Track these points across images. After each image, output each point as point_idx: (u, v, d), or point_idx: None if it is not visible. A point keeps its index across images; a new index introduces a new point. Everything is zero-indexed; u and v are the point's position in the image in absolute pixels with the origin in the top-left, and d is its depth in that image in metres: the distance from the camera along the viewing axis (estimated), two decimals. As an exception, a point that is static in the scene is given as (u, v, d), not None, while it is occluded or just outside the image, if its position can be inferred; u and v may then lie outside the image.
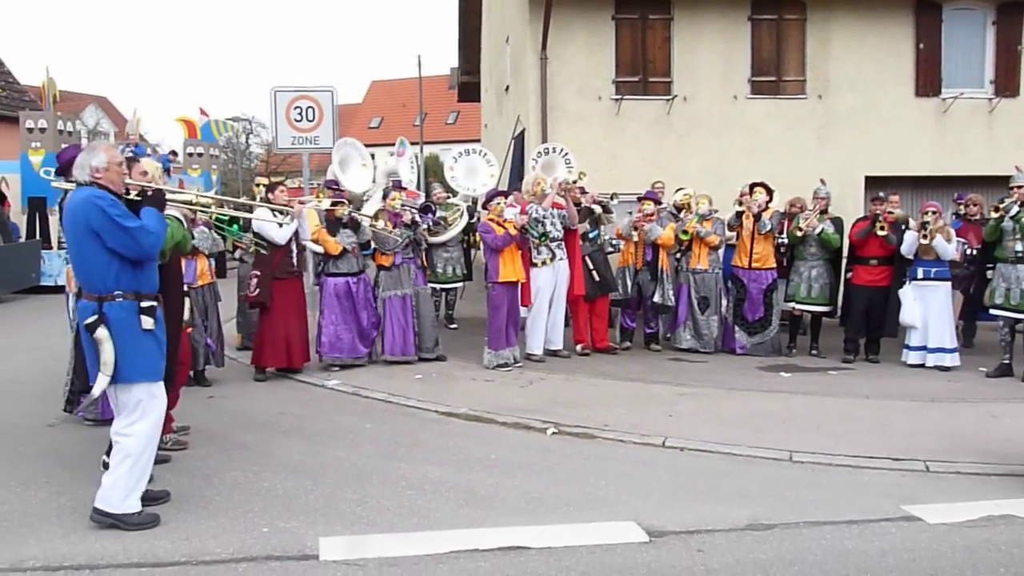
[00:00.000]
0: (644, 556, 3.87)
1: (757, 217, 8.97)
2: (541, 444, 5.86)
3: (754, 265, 9.07)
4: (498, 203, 8.36)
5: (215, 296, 7.67)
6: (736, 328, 9.18)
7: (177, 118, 20.21)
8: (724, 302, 9.29)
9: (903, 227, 8.57)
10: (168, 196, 4.43)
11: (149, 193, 4.29)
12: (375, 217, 8.30)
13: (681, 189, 10.10)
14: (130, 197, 4.20)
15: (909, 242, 8.32)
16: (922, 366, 8.39)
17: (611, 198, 9.46)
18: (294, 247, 7.84)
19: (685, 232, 9.08)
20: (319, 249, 8.36)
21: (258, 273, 7.76)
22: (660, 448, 5.72)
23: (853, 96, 12.56)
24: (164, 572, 3.66)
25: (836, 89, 12.58)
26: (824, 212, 9.01)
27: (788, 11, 12.49)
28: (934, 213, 8.19)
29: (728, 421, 6.33)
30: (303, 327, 8.05)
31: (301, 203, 7.89)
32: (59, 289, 14.14)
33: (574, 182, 9.49)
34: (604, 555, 3.87)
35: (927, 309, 8.33)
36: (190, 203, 4.68)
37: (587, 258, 9.08)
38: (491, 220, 8.27)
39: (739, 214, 9.08)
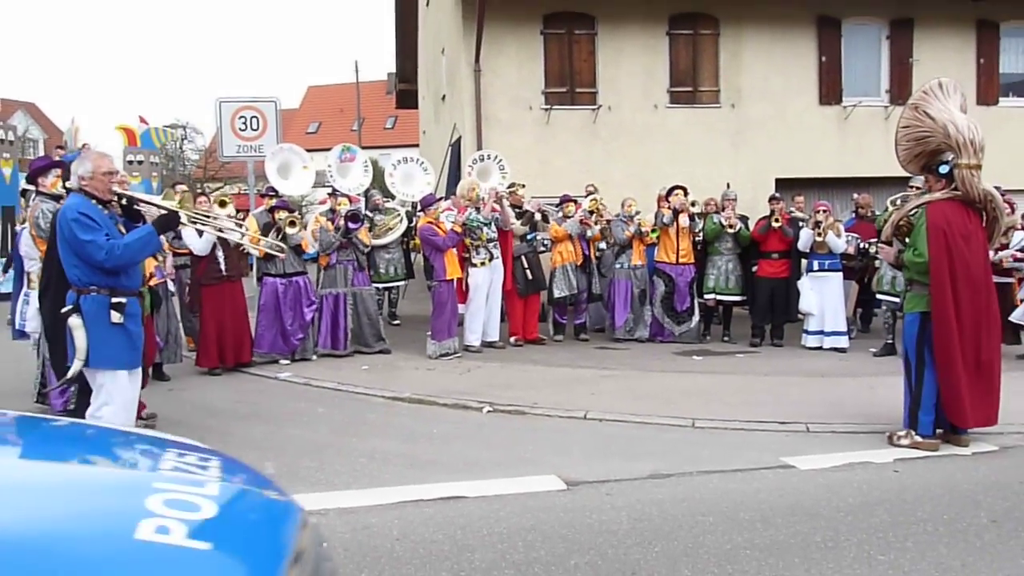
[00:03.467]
0: (561, 499, 4.64)
1: (691, 216, 9.85)
2: (478, 420, 6.59)
3: (681, 260, 9.92)
4: (436, 207, 9.08)
5: (167, 295, 8.16)
6: (666, 319, 10.00)
7: (117, 126, 20.35)
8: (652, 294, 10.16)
9: (800, 224, 9.56)
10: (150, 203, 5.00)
11: (165, 212, 4.87)
12: (291, 224, 8.81)
13: (591, 195, 10.78)
14: (123, 204, 4.78)
15: (804, 238, 9.32)
16: (820, 348, 9.39)
17: (557, 207, 10.25)
18: (220, 254, 8.26)
19: (653, 230, 9.87)
20: (256, 251, 8.87)
21: (188, 282, 8.35)
22: (582, 420, 6.50)
23: (763, 105, 13.66)
24: (152, 525, 4.27)
25: (747, 98, 13.65)
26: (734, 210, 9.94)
27: (702, 27, 13.53)
28: (824, 212, 9.20)
29: (643, 396, 7.16)
30: (241, 326, 8.55)
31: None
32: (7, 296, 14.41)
33: (511, 187, 10.24)
34: (528, 500, 4.62)
35: (822, 297, 9.33)
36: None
37: (522, 258, 9.84)
38: (430, 223, 8.97)
39: (676, 213, 9.81)
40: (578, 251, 9.98)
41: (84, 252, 4.52)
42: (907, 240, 5.69)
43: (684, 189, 10.08)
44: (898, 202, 8.89)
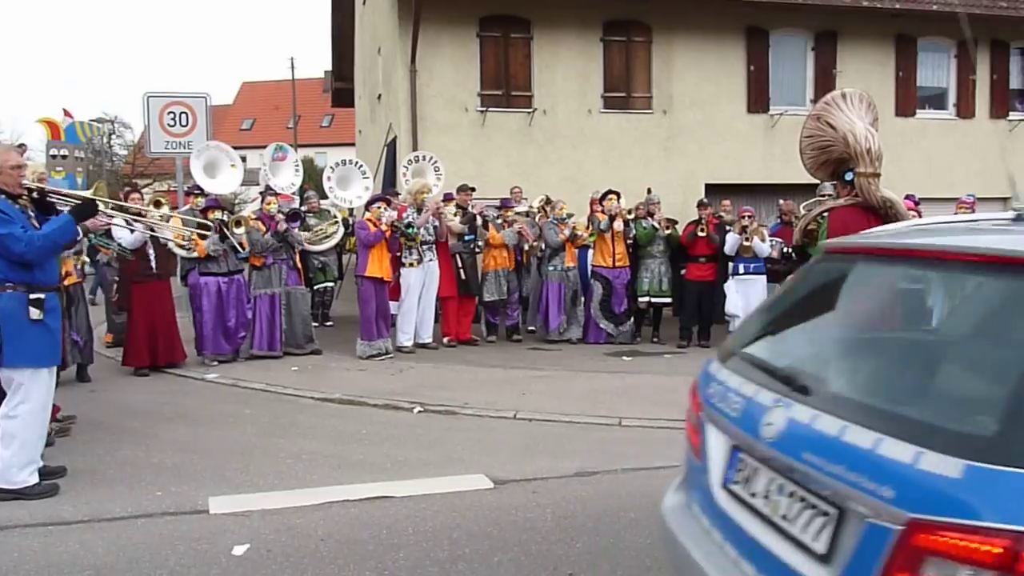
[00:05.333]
0: (488, 498, 4.70)
1: (625, 222, 10.04)
2: (408, 421, 6.61)
3: (617, 264, 10.08)
4: (378, 207, 9.08)
5: (82, 295, 7.94)
6: (604, 321, 10.13)
7: (39, 119, 19.59)
8: (582, 297, 10.30)
9: (727, 229, 9.84)
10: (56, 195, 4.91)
11: (78, 201, 4.78)
12: (236, 224, 8.71)
13: (543, 197, 11.05)
14: (34, 197, 4.66)
15: (731, 242, 9.59)
16: (746, 349, 9.66)
17: (497, 210, 10.34)
18: (151, 251, 8.14)
19: (591, 235, 10.01)
20: (183, 252, 8.76)
21: (117, 278, 8.17)
22: (512, 420, 6.58)
23: (693, 112, 13.97)
24: (69, 530, 4.17)
25: (679, 105, 13.95)
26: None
27: (636, 34, 13.78)
28: (750, 217, 9.49)
29: (572, 396, 7.28)
30: (170, 326, 8.41)
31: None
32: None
33: (462, 187, 10.23)
34: (455, 499, 4.66)
35: (748, 300, 9.61)
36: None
37: (457, 256, 9.87)
38: (368, 220, 8.98)
39: (611, 219, 9.91)
40: (511, 257, 10.08)
41: (0, 246, 4.40)
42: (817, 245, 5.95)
43: (617, 194, 10.26)
44: (812, 207, 9.24)
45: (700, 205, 10.05)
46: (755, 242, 9.48)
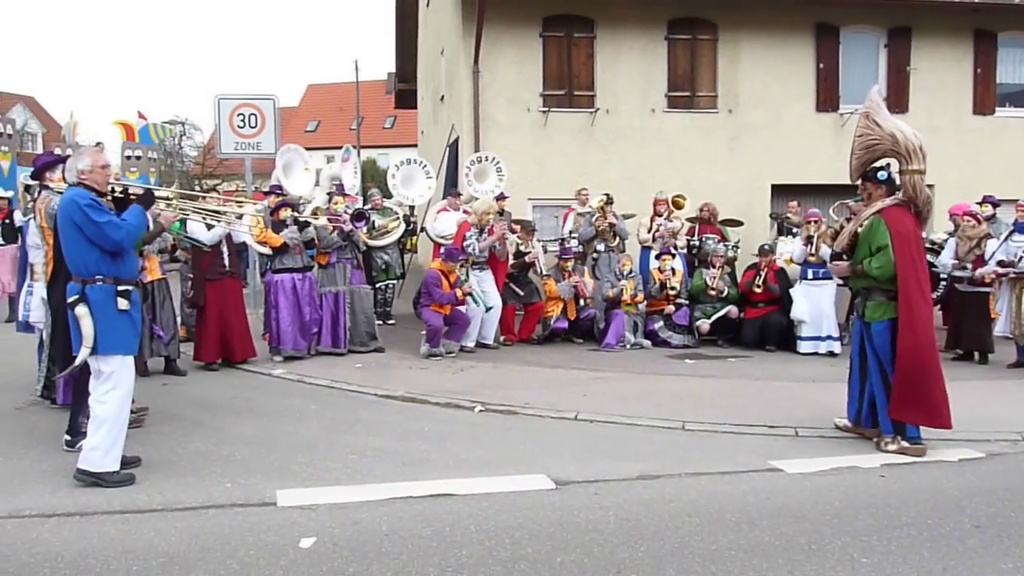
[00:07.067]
0: (550, 498, 4.68)
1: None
2: (469, 419, 6.63)
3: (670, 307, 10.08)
4: (458, 265, 9.16)
5: (167, 291, 8.19)
6: (667, 332, 10.02)
7: (115, 121, 20.35)
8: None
9: (793, 232, 9.64)
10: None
11: (141, 192, 5.04)
12: (314, 213, 8.94)
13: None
14: (116, 195, 4.89)
15: (798, 252, 9.41)
16: (814, 354, 9.44)
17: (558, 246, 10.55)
18: (224, 249, 8.36)
19: (653, 296, 10.07)
20: (264, 250, 8.96)
21: (191, 275, 8.42)
22: (573, 421, 6.54)
23: (760, 111, 13.71)
24: (144, 517, 4.30)
25: (745, 104, 13.71)
26: (723, 266, 10.06)
27: (701, 32, 13.59)
28: (816, 222, 9.26)
29: (634, 398, 7.21)
30: (241, 323, 8.62)
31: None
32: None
33: (524, 228, 10.43)
34: (517, 498, 4.66)
35: (816, 304, 9.39)
36: (168, 199, 5.35)
37: (508, 278, 10.04)
38: (441, 271, 9.07)
39: (663, 286, 9.97)
40: (571, 308, 10.02)
41: (101, 233, 4.66)
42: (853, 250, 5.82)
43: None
44: (845, 211, 8.95)
45: (761, 252, 9.87)
46: (822, 250, 9.25)
